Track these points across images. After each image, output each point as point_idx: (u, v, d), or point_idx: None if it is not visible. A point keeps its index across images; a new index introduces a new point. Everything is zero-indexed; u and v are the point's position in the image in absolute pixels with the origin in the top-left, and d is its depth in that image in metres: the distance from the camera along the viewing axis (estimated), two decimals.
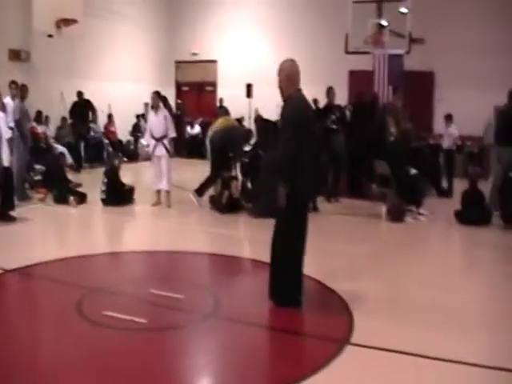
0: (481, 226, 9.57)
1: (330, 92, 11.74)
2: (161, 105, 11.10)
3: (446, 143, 13.53)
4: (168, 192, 10.84)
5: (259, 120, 13.63)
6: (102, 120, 18.23)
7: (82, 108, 16.24)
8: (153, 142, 10.77)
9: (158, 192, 10.86)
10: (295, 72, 5.51)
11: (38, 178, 12.11)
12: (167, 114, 11.02)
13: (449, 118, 13.48)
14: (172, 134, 10.92)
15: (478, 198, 10.00)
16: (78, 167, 15.30)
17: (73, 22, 12.26)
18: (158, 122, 10.77)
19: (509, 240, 8.88)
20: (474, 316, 5.66)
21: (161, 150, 10.72)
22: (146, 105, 19.74)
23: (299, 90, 5.54)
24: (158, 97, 11.10)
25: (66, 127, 16.43)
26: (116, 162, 11.69)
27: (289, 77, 5.49)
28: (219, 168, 10.93)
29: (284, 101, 5.56)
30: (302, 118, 5.42)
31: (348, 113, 13.05)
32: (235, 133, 11.57)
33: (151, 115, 10.99)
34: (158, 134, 10.72)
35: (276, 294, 5.60)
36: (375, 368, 4.44)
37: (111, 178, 10.91)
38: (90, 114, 16.72)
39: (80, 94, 16.20)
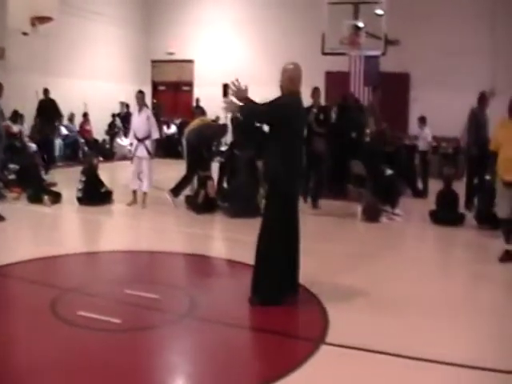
0: (455, 226, 9.67)
1: (315, 93, 11.45)
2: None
3: (421, 145, 13.64)
4: (145, 193, 10.79)
5: (236, 118, 13.45)
6: (77, 119, 18.14)
7: (48, 107, 15.39)
8: (135, 141, 10.70)
9: (135, 192, 10.81)
10: (297, 75, 5.73)
11: (12, 177, 11.96)
12: (150, 115, 10.90)
13: (422, 121, 13.60)
14: (155, 135, 10.87)
15: (452, 199, 10.11)
16: (45, 167, 13.82)
17: (48, 19, 12.13)
18: (142, 123, 10.68)
19: (481, 239, 8.98)
20: (451, 314, 5.69)
21: (142, 151, 10.63)
22: (122, 104, 19.75)
23: (298, 93, 5.75)
24: (143, 96, 11.07)
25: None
26: (94, 161, 11.59)
27: (291, 79, 5.69)
28: (195, 167, 10.92)
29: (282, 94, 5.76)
30: (292, 117, 5.62)
31: (333, 115, 12.90)
32: (210, 131, 11.58)
33: (135, 115, 10.93)
34: (140, 135, 10.64)
35: (256, 292, 5.64)
36: (350, 367, 4.46)
37: (89, 177, 10.82)
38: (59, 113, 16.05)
39: (46, 91, 15.42)
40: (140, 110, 10.77)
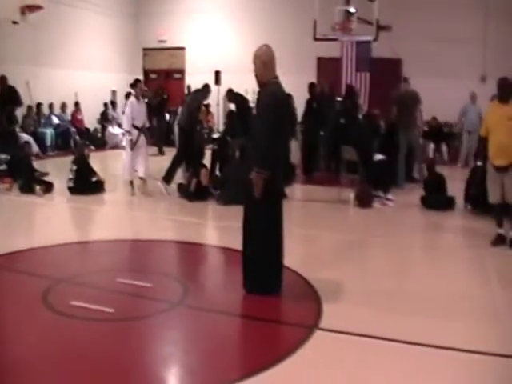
0: (446, 211, 9.69)
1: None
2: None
3: None
4: (145, 180, 10.82)
5: (231, 93, 13.04)
6: (68, 109, 18.05)
7: (5, 97, 14.16)
8: (135, 131, 10.61)
9: (132, 182, 10.82)
10: (271, 58, 5.47)
11: (3, 167, 11.89)
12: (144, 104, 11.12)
13: None
14: (147, 123, 11.15)
15: (438, 184, 10.14)
16: None
17: (38, 8, 12.07)
18: (142, 111, 10.80)
19: (472, 223, 8.98)
20: (442, 300, 5.70)
21: (142, 140, 10.75)
22: (114, 92, 19.65)
23: (276, 77, 5.50)
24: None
25: (31, 116, 16.17)
26: (85, 150, 11.57)
27: (265, 63, 5.43)
28: (188, 156, 10.92)
29: (260, 87, 5.55)
30: (283, 108, 5.48)
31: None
32: (193, 98, 11.77)
33: (134, 103, 10.69)
34: (140, 123, 10.68)
35: (249, 281, 5.59)
36: (343, 352, 4.49)
37: (80, 167, 10.77)
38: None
39: (3, 79, 14.33)
40: (139, 98, 10.82)
